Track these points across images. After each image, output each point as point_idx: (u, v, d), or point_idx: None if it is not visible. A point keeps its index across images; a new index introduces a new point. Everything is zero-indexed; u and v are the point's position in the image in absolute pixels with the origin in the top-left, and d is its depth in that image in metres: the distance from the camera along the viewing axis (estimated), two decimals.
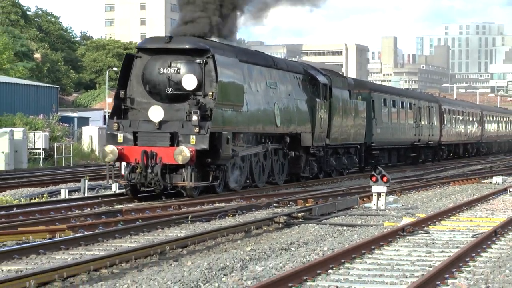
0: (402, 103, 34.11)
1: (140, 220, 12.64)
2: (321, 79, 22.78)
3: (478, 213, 16.22)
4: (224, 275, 7.80)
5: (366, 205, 16.91)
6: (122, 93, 16.58)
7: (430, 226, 12.97)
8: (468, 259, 8.86)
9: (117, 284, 7.16)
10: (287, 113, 20.46)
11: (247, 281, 7.23)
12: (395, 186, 20.69)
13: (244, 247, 10.31)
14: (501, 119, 58.23)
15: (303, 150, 21.85)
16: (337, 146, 24.89)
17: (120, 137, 16.04)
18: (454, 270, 7.95)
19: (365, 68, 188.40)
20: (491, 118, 54.85)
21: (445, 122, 40.88)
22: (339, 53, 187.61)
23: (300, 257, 9.03)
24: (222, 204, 16.07)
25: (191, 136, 15.39)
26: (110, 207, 15.22)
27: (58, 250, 9.53)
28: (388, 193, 17.25)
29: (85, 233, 10.91)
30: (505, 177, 26.47)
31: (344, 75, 31.25)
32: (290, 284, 6.90)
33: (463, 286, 7.00)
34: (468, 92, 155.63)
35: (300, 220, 13.69)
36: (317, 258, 8.65)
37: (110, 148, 15.73)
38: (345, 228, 12.97)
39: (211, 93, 16.07)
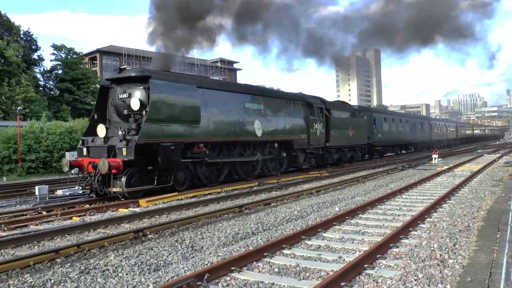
0: (400, 119, 41.15)
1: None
2: (316, 104, 23.61)
3: (472, 163, 26.16)
4: (379, 187, 15.65)
5: (431, 162, 27.94)
6: (96, 115, 15.37)
7: (454, 169, 22.45)
8: (469, 179, 16.64)
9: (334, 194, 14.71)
10: (271, 126, 19.85)
11: (388, 190, 14.76)
12: (442, 154, 32.90)
13: (386, 178, 19.06)
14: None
15: (301, 151, 22.41)
16: (339, 147, 26.36)
17: (84, 150, 14.67)
18: (463, 184, 15.43)
19: None
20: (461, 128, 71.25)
21: (433, 129, 52.57)
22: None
23: (406, 181, 17.23)
24: (386, 167, 26.40)
25: (123, 149, 13.52)
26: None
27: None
28: (439, 157, 29.34)
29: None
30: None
31: (350, 103, 34.78)
32: (397, 194, 13.63)
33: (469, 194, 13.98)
34: None
35: (406, 167, 23.39)
36: (411, 182, 16.55)
37: (64, 160, 14.52)
38: (422, 170, 22.46)
39: (144, 112, 14.41)
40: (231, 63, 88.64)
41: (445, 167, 22.53)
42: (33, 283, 5.96)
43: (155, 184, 14.22)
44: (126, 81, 15.02)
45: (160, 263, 6.75)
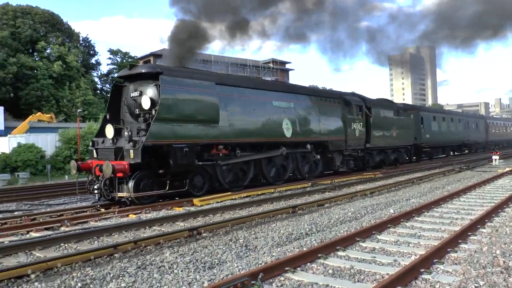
0: (451, 118, 37.66)
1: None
2: (354, 101, 21.90)
3: None
4: (435, 189, 15.22)
5: (490, 163, 26.75)
6: (108, 115, 14.34)
7: None
8: None
9: (390, 194, 14.43)
10: (303, 126, 18.28)
11: (445, 192, 14.30)
12: (503, 155, 31.27)
13: (443, 180, 18.46)
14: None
15: (338, 153, 20.78)
16: (381, 148, 24.43)
17: (95, 152, 13.93)
18: None
19: None
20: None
21: (490, 129, 48.20)
22: None
23: (464, 183, 16.65)
24: (442, 169, 25.28)
25: (130, 151, 12.54)
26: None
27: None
28: (500, 159, 27.94)
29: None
30: None
31: (394, 101, 30.61)
32: (454, 197, 13.11)
33: None
34: None
35: (464, 169, 22.55)
36: (470, 184, 15.94)
37: (72, 163, 13.57)
38: (481, 172, 21.62)
39: (154, 111, 13.25)
40: (283, 63, 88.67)
41: (507, 169, 21.48)
42: (94, 276, 6.19)
43: (167, 189, 13.17)
44: (137, 78, 14.04)
45: (215, 261, 6.84)
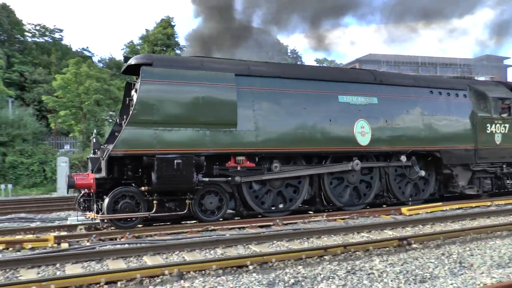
0: None
1: None
2: (493, 93, 15.77)
3: None
4: None
5: None
6: (118, 119, 12.20)
7: None
8: None
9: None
10: (392, 130, 13.58)
11: None
12: None
13: None
14: None
15: (461, 167, 15.05)
16: None
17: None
18: None
19: None
20: None
21: None
22: None
23: None
24: None
25: (102, 162, 10.50)
26: None
27: None
28: None
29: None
30: None
31: None
32: None
33: None
34: None
35: None
36: None
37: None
38: None
39: (135, 111, 10.56)
40: (499, 59, 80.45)
41: None
42: (305, 274, 6.55)
43: (153, 211, 10.67)
44: (135, 72, 11.63)
45: (426, 275, 6.62)
